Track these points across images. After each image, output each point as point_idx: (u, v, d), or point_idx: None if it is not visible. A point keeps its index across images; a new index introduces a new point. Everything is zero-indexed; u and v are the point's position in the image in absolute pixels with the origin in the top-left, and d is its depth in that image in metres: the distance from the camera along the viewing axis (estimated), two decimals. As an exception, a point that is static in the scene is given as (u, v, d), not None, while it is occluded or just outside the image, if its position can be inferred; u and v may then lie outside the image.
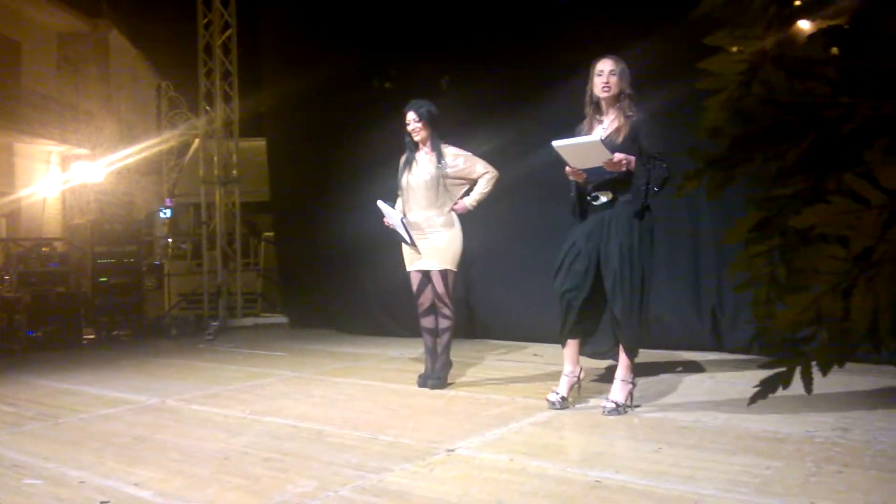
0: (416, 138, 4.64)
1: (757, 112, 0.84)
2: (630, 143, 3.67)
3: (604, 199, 3.76)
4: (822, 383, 0.94)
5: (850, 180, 0.78)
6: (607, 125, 3.77)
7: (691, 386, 4.35)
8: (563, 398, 3.87)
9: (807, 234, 0.81)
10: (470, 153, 4.72)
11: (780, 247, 0.85)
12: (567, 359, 3.92)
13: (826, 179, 0.81)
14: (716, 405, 3.76)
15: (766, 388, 0.87)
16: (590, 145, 3.60)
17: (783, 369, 0.85)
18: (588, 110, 3.86)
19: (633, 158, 3.61)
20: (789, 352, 0.83)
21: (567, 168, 3.73)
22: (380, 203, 4.66)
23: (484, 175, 4.67)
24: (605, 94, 3.75)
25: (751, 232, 0.88)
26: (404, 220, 4.57)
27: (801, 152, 0.82)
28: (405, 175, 4.67)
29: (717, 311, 5.40)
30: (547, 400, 3.88)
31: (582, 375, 3.99)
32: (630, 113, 3.72)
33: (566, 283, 3.81)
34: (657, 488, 2.61)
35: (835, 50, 0.79)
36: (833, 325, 0.79)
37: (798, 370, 0.85)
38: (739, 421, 3.41)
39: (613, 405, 3.68)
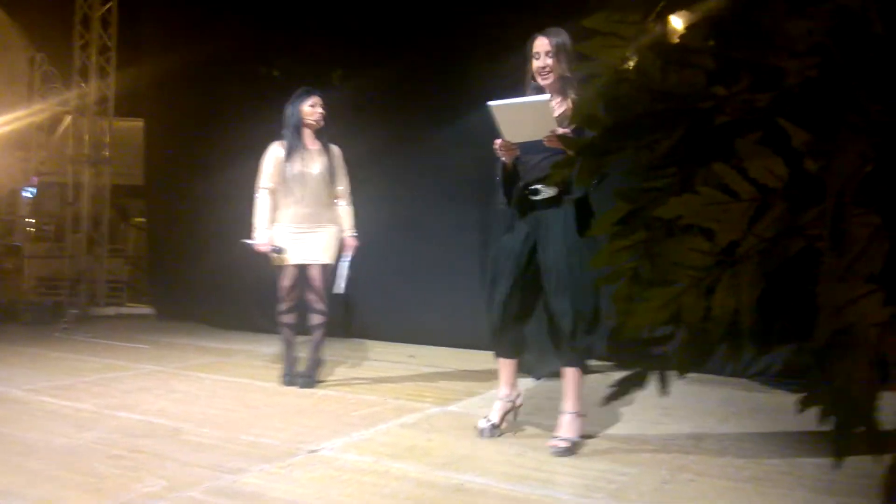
0: (315, 125, 4.49)
1: (630, 100, 0.81)
2: (578, 131, 3.06)
3: (547, 193, 3.20)
4: (677, 393, 0.93)
5: (719, 170, 0.76)
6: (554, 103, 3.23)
7: (558, 391, 4.42)
8: (493, 425, 3.36)
9: (672, 226, 0.79)
10: (344, 165, 4.63)
11: (645, 241, 0.83)
12: (501, 380, 3.42)
13: (696, 171, 0.80)
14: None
15: (620, 390, 0.85)
16: (536, 106, 3.05)
17: (638, 370, 0.83)
18: (529, 92, 3.31)
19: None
20: (643, 351, 0.82)
21: (497, 141, 3.18)
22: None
23: (345, 196, 4.61)
24: (545, 82, 3.25)
25: (616, 224, 0.85)
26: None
27: (673, 143, 0.80)
28: (296, 165, 4.44)
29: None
30: (476, 427, 3.40)
31: (519, 401, 3.47)
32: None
33: (497, 295, 3.29)
34: (517, 492, 2.62)
35: (711, 42, 0.78)
36: (692, 324, 0.78)
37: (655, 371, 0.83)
38: (600, 427, 3.49)
39: (565, 444, 3.12)
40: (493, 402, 3.42)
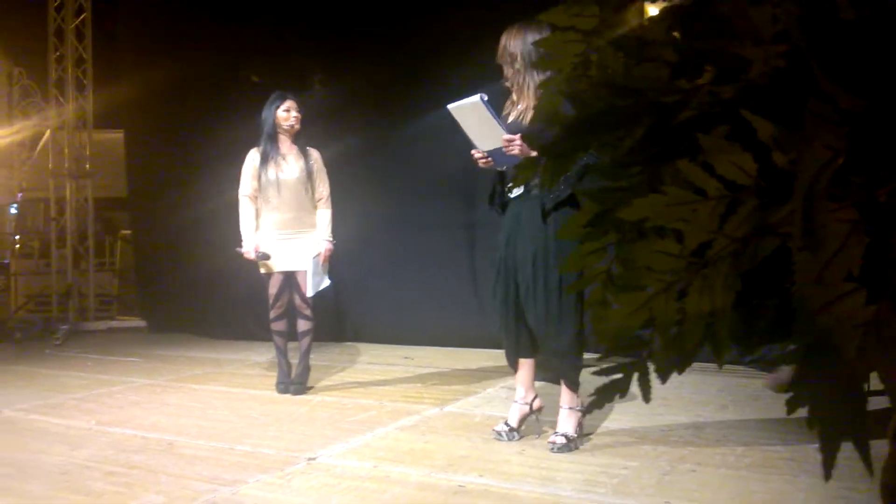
0: (290, 129, 4.44)
1: (591, 96, 0.78)
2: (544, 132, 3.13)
3: (517, 190, 3.17)
4: (675, 383, 0.91)
5: (686, 168, 0.73)
6: (521, 106, 3.19)
7: (553, 388, 4.40)
8: (511, 429, 3.28)
9: (643, 228, 0.76)
10: (324, 168, 4.57)
11: (616, 243, 0.81)
12: (518, 382, 3.33)
13: (662, 170, 0.77)
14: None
15: (601, 398, 0.83)
16: (475, 108, 3.02)
17: (619, 376, 0.80)
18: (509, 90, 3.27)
19: (529, 147, 3.00)
20: (621, 357, 0.79)
21: (472, 152, 3.19)
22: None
23: (324, 200, 4.53)
24: (507, 85, 3.23)
25: (585, 227, 0.82)
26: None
27: (636, 140, 0.77)
28: (270, 171, 4.40)
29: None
30: (493, 430, 3.32)
31: (537, 404, 3.33)
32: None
33: (496, 297, 3.26)
34: (518, 491, 2.61)
35: (675, 33, 0.75)
36: (666, 328, 0.75)
37: (635, 377, 0.81)
38: (598, 421, 3.47)
39: (563, 440, 3.09)
40: (491, 401, 3.40)
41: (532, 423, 3.34)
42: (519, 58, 3.12)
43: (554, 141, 0.84)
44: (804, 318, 0.64)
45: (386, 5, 6.25)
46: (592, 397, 0.85)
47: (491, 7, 5.43)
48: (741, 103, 0.71)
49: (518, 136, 3.01)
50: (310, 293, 4.39)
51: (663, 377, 0.78)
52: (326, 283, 4.48)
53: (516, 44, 3.14)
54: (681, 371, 0.78)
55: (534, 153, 2.95)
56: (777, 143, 0.68)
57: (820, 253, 0.62)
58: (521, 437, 3.27)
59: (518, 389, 3.32)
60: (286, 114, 4.42)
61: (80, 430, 3.67)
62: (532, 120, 2.91)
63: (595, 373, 0.83)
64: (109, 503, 2.61)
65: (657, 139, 0.78)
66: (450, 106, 3.12)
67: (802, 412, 0.73)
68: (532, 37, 3.06)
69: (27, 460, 3.16)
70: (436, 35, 5.87)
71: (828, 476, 0.68)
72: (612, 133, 0.79)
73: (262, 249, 4.39)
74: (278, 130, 4.44)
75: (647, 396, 0.81)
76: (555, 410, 3.21)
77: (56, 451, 3.28)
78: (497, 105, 3.15)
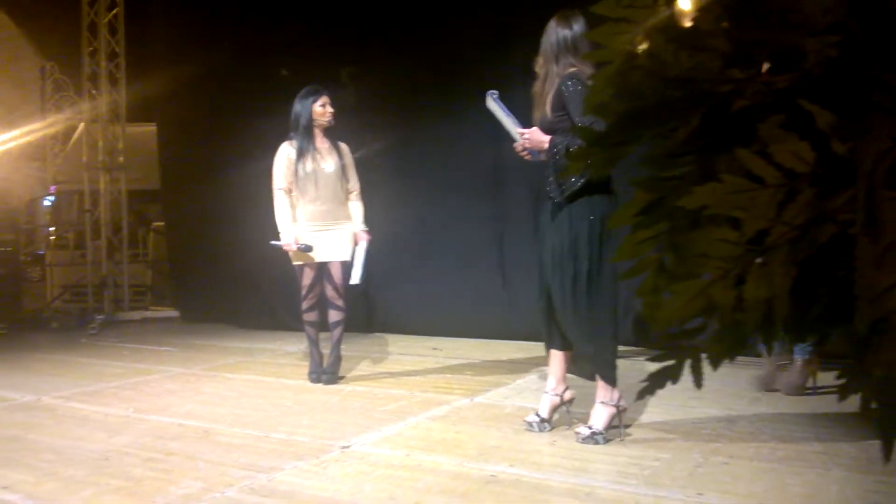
0: (327, 124, 4.49)
1: (642, 87, 0.79)
2: (557, 113, 3.08)
3: (554, 193, 3.15)
4: (707, 376, 0.91)
5: (743, 157, 0.74)
6: (546, 95, 3.17)
7: (582, 380, 4.40)
8: (542, 419, 3.28)
9: (697, 216, 0.77)
10: (353, 161, 4.64)
11: (668, 231, 0.81)
12: (550, 373, 3.32)
13: (716, 159, 0.77)
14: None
15: (654, 384, 0.84)
16: (496, 111, 3.10)
17: (672, 363, 0.81)
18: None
19: (539, 139, 3.10)
20: (677, 344, 0.80)
21: (514, 145, 3.20)
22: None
23: (356, 193, 4.61)
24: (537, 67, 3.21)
25: (637, 216, 0.83)
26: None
27: (690, 130, 0.78)
28: (307, 164, 4.46)
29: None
30: (524, 421, 3.34)
31: (568, 396, 3.32)
32: (559, 75, 3.09)
33: (539, 289, 3.25)
34: (550, 481, 2.62)
35: (724, 24, 0.76)
36: (724, 315, 0.76)
37: (687, 363, 0.81)
38: (629, 413, 3.46)
39: (588, 431, 3.08)
40: (521, 392, 3.40)
41: (563, 415, 3.35)
42: (548, 47, 3.15)
43: (605, 132, 0.85)
44: (864, 303, 0.65)
45: (414, 1, 6.26)
46: (645, 383, 0.86)
47: (520, 5, 5.44)
48: (796, 93, 0.71)
49: (527, 131, 3.10)
50: (357, 280, 4.45)
51: (715, 364, 0.79)
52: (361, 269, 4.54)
53: (547, 33, 3.17)
54: (732, 358, 0.79)
55: (545, 147, 3.07)
56: (835, 132, 0.68)
57: (881, 239, 0.63)
58: (551, 428, 3.29)
59: (549, 380, 3.33)
60: (322, 108, 4.47)
61: (119, 418, 3.75)
62: (583, 112, 2.89)
63: (648, 359, 0.84)
64: (150, 489, 2.66)
65: (711, 129, 0.78)
66: (489, 98, 3.20)
67: (832, 407, 0.74)
68: (561, 27, 3.12)
69: (69, 446, 3.23)
70: (465, 32, 5.88)
71: (887, 459, 0.68)
72: (667, 123, 0.80)
73: (303, 241, 4.45)
74: (314, 125, 4.48)
75: (699, 382, 0.82)
76: (589, 403, 3.21)
77: (96, 438, 3.35)
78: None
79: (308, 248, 4.44)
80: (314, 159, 4.46)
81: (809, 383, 3.83)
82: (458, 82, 5.88)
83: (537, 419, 3.29)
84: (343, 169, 4.53)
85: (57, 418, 3.79)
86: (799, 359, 3.79)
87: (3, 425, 3.65)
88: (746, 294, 0.74)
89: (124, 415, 3.80)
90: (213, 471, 2.83)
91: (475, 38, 5.82)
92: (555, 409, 3.32)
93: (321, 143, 4.52)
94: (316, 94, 4.47)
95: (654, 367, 0.85)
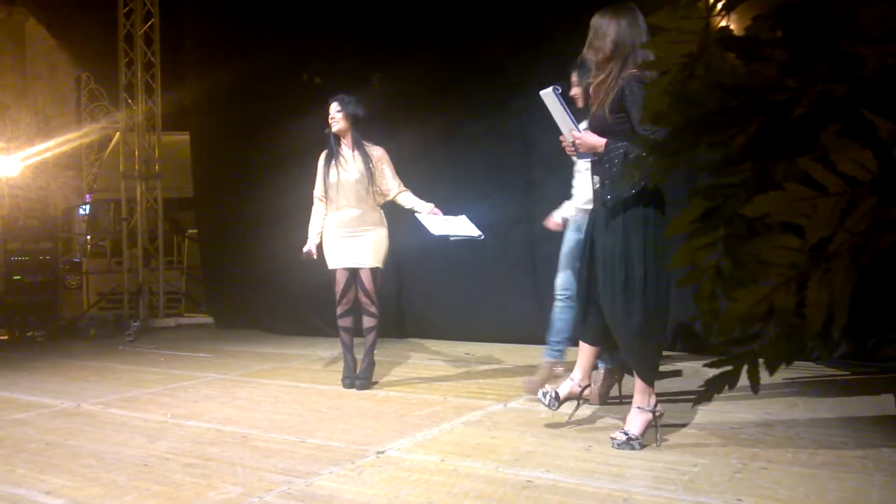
0: (334, 128, 4.57)
1: (700, 96, 0.80)
2: (616, 115, 2.99)
3: (597, 185, 3.14)
4: (743, 381, 0.91)
5: (806, 165, 0.74)
6: (601, 94, 3.10)
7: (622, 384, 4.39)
8: (554, 397, 3.25)
9: (755, 224, 0.78)
10: (389, 163, 4.66)
11: (725, 238, 0.82)
12: (577, 364, 3.29)
13: (774, 166, 0.78)
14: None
15: (711, 388, 0.84)
16: (553, 105, 3.03)
17: (729, 368, 0.82)
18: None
19: (593, 142, 3.04)
20: (732, 350, 0.80)
21: (560, 138, 3.17)
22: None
23: (393, 192, 4.64)
24: (588, 54, 3.11)
25: (694, 223, 0.84)
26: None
27: (748, 138, 0.78)
28: (333, 171, 4.57)
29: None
30: (539, 391, 3.33)
31: (587, 392, 3.33)
32: (622, 76, 2.99)
33: (577, 282, 3.27)
34: (587, 487, 2.61)
35: (779, 33, 0.77)
36: (785, 321, 0.76)
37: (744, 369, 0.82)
38: (666, 419, 3.44)
39: (624, 437, 3.05)
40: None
41: (570, 410, 3.39)
42: (609, 44, 3.02)
43: (664, 140, 0.86)
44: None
45: (444, 5, 6.29)
46: (702, 388, 0.87)
47: (550, 7, 5.45)
48: (855, 101, 0.72)
49: (582, 133, 3.04)
50: (479, 235, 4.47)
51: (772, 369, 0.80)
52: (469, 230, 4.49)
53: (604, 27, 3.04)
54: (789, 363, 0.80)
55: (599, 151, 3.03)
56: (896, 140, 0.69)
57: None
58: (558, 408, 3.29)
59: (575, 371, 3.31)
60: (330, 116, 4.58)
61: (157, 423, 3.80)
62: (641, 121, 2.85)
63: (706, 365, 0.85)
64: (190, 493, 2.69)
65: (768, 136, 0.79)
66: (541, 92, 3.10)
67: (870, 411, 0.74)
68: (625, 22, 3.01)
69: (109, 452, 3.28)
70: (496, 33, 5.89)
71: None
72: (725, 131, 0.80)
73: (314, 251, 4.60)
74: (332, 133, 4.61)
75: (755, 388, 0.82)
76: (621, 409, 3.20)
77: (135, 444, 3.40)
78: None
79: (307, 256, 4.63)
80: (338, 166, 4.57)
81: (614, 392, 3.86)
82: (488, 85, 5.90)
83: (553, 394, 3.26)
84: (371, 175, 4.57)
85: (97, 424, 3.85)
86: (602, 368, 3.80)
87: (44, 431, 3.71)
88: (809, 300, 0.74)
89: (162, 420, 3.86)
90: (251, 476, 2.86)
91: (505, 40, 5.83)
92: (571, 397, 3.30)
93: (346, 150, 4.61)
94: (329, 101, 4.59)
95: (709, 372, 0.86)
